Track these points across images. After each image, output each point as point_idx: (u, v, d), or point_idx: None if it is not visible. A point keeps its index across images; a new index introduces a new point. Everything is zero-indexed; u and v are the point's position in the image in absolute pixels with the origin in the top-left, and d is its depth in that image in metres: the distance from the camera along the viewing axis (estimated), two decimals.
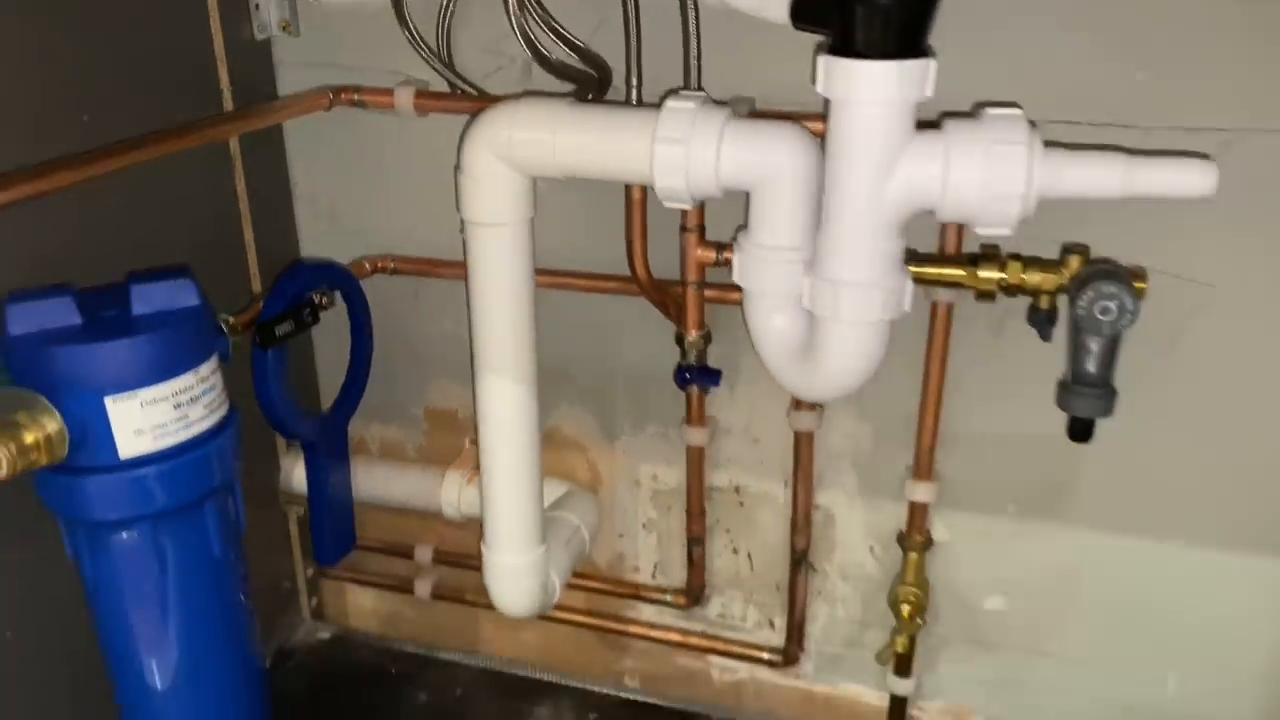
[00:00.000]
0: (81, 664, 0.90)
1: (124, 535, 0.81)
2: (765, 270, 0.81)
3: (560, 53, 0.98)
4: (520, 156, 0.83)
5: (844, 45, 0.68)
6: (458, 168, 0.87)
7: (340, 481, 1.12)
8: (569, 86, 1.01)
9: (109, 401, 0.75)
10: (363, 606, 1.43)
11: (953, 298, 0.98)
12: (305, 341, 1.25)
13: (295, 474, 1.20)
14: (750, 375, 1.12)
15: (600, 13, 0.98)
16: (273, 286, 1.02)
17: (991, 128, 0.70)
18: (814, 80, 0.71)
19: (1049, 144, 0.72)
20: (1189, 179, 0.70)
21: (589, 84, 1.00)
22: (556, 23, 0.95)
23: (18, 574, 0.89)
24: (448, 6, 1.01)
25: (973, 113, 0.72)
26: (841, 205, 0.72)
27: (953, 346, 1.02)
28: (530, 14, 0.94)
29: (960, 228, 0.95)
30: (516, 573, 1.00)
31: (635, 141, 0.79)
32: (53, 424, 0.74)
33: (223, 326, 0.89)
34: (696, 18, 0.89)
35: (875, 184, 0.70)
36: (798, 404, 1.09)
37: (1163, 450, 1.01)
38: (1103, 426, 1.00)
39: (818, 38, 0.76)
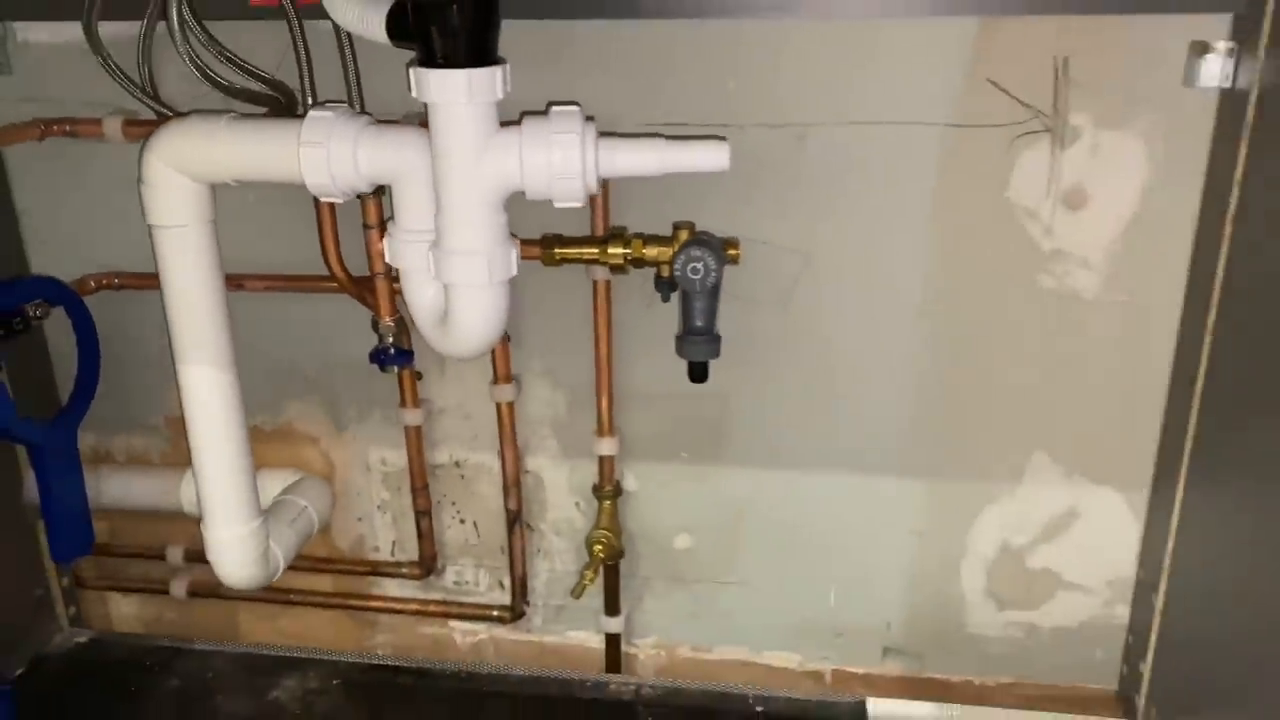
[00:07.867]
0: None
1: None
2: (410, 251, 0.96)
3: (248, 82, 1.11)
4: (187, 162, 0.95)
5: (429, 58, 0.84)
6: (139, 179, 0.98)
7: (71, 483, 1.20)
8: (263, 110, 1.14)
9: None
10: (125, 614, 1.50)
11: (608, 275, 1.16)
12: (42, 355, 1.32)
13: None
14: (457, 360, 1.26)
15: (285, 48, 1.11)
16: None
17: (553, 122, 0.88)
18: (409, 88, 0.86)
19: (607, 134, 0.91)
20: (707, 157, 0.90)
21: (277, 107, 1.14)
22: (234, 55, 1.07)
23: None
24: (142, 43, 1.12)
25: (545, 112, 0.90)
26: (447, 191, 0.88)
27: (615, 318, 1.19)
28: (192, 45, 1.05)
29: (606, 213, 1.13)
30: (232, 545, 1.10)
31: (285, 146, 0.92)
32: None
33: None
34: (353, 47, 1.04)
35: (468, 171, 0.87)
36: (496, 378, 1.24)
37: (788, 394, 1.21)
38: (739, 376, 1.20)
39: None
